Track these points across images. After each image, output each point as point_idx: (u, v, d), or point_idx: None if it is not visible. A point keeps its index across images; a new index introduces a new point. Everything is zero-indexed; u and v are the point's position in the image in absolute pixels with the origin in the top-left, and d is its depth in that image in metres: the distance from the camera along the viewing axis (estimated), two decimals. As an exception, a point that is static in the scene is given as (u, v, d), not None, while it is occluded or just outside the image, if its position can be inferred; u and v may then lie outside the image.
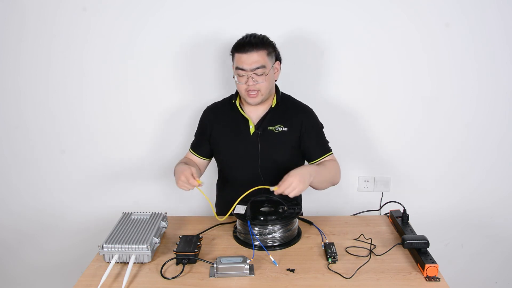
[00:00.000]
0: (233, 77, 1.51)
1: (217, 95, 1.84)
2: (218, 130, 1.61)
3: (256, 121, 1.57)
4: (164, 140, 1.96)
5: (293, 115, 1.57)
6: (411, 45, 1.81)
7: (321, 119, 1.63)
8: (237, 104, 1.58)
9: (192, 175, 1.38)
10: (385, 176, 1.99)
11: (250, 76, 1.46)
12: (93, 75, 1.88)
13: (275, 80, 1.60)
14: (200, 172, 1.61)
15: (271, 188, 1.32)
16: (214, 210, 1.45)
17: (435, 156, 1.96)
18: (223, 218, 1.40)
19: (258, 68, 1.45)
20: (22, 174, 2.03)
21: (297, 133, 1.56)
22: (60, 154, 1.99)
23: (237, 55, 1.48)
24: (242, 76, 1.47)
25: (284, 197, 1.47)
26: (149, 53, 1.85)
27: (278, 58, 1.56)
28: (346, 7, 1.77)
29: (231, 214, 1.41)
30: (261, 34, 1.50)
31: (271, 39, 1.53)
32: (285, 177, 1.32)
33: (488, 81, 1.85)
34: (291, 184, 1.29)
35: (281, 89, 1.64)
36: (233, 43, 1.50)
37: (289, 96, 1.65)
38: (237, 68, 1.48)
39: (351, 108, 1.90)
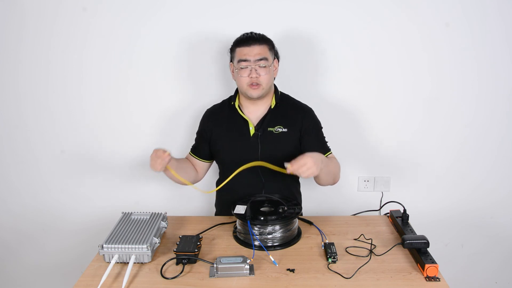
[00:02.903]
0: (233, 71, 1.53)
1: (218, 95, 1.85)
2: (218, 132, 1.61)
3: (256, 122, 1.57)
4: (165, 140, 1.96)
5: (293, 115, 1.57)
6: (411, 45, 1.81)
7: (321, 119, 1.63)
8: (236, 106, 1.59)
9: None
10: (385, 176, 1.99)
11: (254, 68, 1.46)
12: (93, 75, 1.88)
13: (274, 78, 1.61)
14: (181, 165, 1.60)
15: (286, 165, 1.30)
16: (196, 188, 1.46)
17: (435, 156, 1.96)
18: (211, 192, 1.47)
19: (261, 59, 1.46)
20: (22, 174, 2.03)
21: (297, 133, 1.56)
22: (60, 154, 1.99)
23: (238, 49, 1.49)
24: (245, 68, 1.48)
25: (284, 197, 1.47)
26: (149, 53, 1.85)
27: (276, 56, 1.57)
28: (346, 7, 1.77)
29: (231, 214, 1.41)
30: (259, 33, 1.52)
31: (271, 38, 1.55)
32: (300, 156, 1.30)
33: (488, 81, 1.85)
34: (306, 163, 1.28)
35: (281, 89, 1.64)
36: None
37: (288, 96, 1.65)
38: (240, 60, 1.48)
39: (351, 108, 1.90)
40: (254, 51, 1.46)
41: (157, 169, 1.40)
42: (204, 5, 1.78)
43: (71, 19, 1.81)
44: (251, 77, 1.47)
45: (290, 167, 1.29)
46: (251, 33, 1.51)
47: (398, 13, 1.78)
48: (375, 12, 1.78)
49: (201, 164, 1.69)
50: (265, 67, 1.47)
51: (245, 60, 1.47)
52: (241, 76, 1.49)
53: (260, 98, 1.54)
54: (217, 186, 1.74)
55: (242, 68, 1.48)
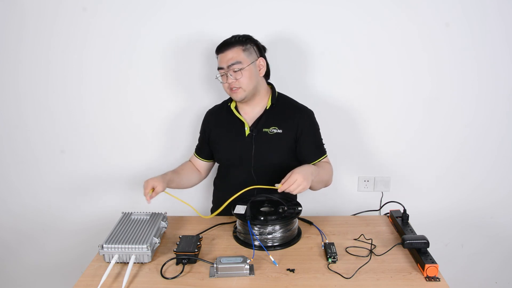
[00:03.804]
0: (216, 77, 1.55)
1: (219, 96, 1.85)
2: (216, 132, 1.63)
3: (251, 123, 1.57)
4: (165, 140, 1.96)
5: (289, 117, 1.57)
6: (411, 45, 1.81)
7: (321, 119, 1.62)
8: (232, 107, 1.60)
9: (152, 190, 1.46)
10: (385, 176, 1.99)
11: (229, 74, 1.49)
12: (93, 75, 1.88)
13: (268, 78, 1.62)
14: (178, 179, 1.63)
15: (276, 185, 1.30)
16: (195, 210, 1.47)
17: (435, 156, 1.96)
18: (210, 216, 1.46)
19: (233, 64, 1.48)
20: (22, 174, 2.03)
21: (293, 134, 1.55)
22: (60, 154, 1.99)
23: (218, 57, 1.54)
24: (222, 75, 1.52)
25: (284, 197, 1.47)
26: (150, 53, 1.84)
27: (261, 55, 1.57)
28: (346, 7, 1.77)
29: (231, 214, 1.41)
30: (242, 34, 1.53)
31: (267, 38, 1.55)
32: (289, 174, 1.30)
33: (488, 81, 1.85)
34: (295, 181, 1.28)
35: (280, 89, 1.64)
36: None
37: (286, 96, 1.64)
38: (218, 68, 1.53)
39: (351, 108, 1.90)
40: (226, 57, 1.49)
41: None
42: (204, 5, 1.78)
43: (71, 19, 1.81)
44: (228, 83, 1.50)
45: (281, 187, 1.29)
46: (228, 38, 1.52)
47: (398, 13, 1.78)
48: (375, 12, 1.78)
49: (204, 164, 1.72)
50: (239, 71, 1.48)
51: (220, 68, 1.52)
52: (222, 83, 1.54)
53: (247, 99, 1.54)
54: (214, 185, 1.76)
55: (221, 76, 1.53)
